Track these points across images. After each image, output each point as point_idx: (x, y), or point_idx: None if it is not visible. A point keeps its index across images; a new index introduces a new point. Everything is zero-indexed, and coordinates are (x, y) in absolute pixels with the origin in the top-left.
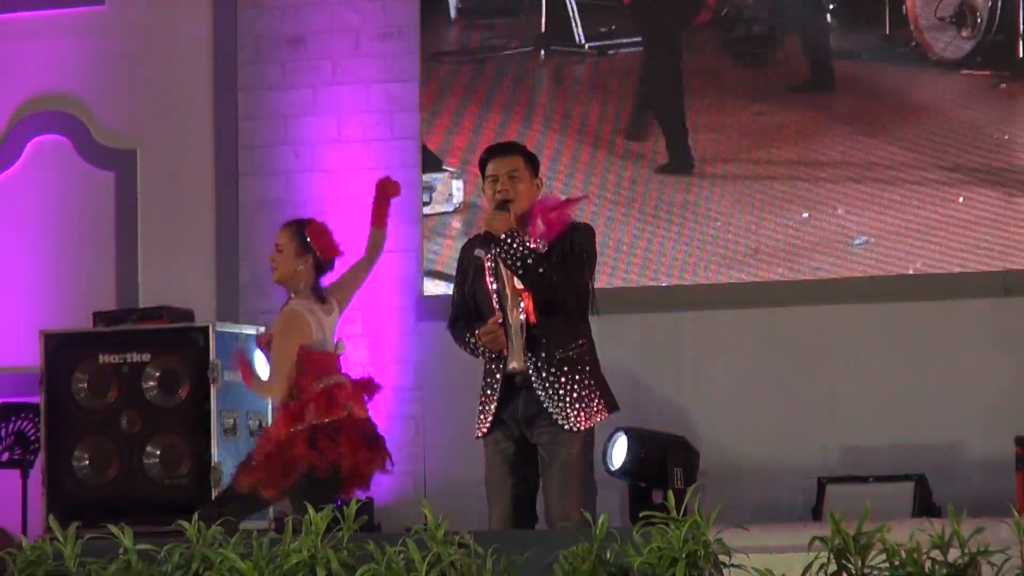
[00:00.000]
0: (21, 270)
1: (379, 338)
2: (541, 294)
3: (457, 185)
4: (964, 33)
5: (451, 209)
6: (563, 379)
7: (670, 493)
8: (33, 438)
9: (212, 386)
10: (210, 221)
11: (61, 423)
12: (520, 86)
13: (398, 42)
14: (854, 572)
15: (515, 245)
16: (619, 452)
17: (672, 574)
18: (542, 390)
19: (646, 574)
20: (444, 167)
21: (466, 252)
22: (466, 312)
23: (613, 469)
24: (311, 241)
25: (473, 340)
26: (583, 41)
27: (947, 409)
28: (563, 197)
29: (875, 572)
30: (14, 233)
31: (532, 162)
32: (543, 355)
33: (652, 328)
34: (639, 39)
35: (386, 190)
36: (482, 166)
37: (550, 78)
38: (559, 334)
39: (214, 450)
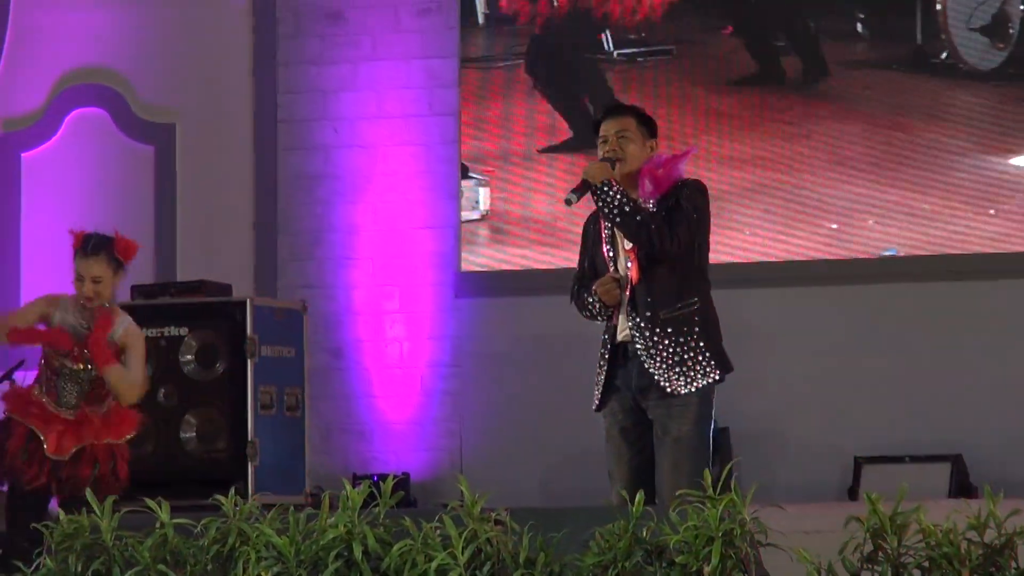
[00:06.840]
0: (59, 242)
1: (416, 314)
2: (640, 243)
3: (484, 193)
4: (998, 44)
5: (477, 216)
6: (667, 341)
7: (706, 472)
8: None
9: (249, 360)
10: (249, 195)
11: None
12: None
13: (437, 17)
14: (890, 552)
15: (611, 192)
16: None
17: (708, 553)
18: (644, 351)
19: (682, 552)
20: (470, 174)
21: (588, 223)
22: (585, 281)
23: None
24: (121, 258)
25: (591, 299)
26: (612, 48)
27: (984, 389)
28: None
29: (911, 552)
30: (53, 205)
31: (646, 124)
32: (647, 315)
33: None
34: (670, 47)
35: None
36: (596, 130)
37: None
38: (666, 294)
39: (251, 425)
